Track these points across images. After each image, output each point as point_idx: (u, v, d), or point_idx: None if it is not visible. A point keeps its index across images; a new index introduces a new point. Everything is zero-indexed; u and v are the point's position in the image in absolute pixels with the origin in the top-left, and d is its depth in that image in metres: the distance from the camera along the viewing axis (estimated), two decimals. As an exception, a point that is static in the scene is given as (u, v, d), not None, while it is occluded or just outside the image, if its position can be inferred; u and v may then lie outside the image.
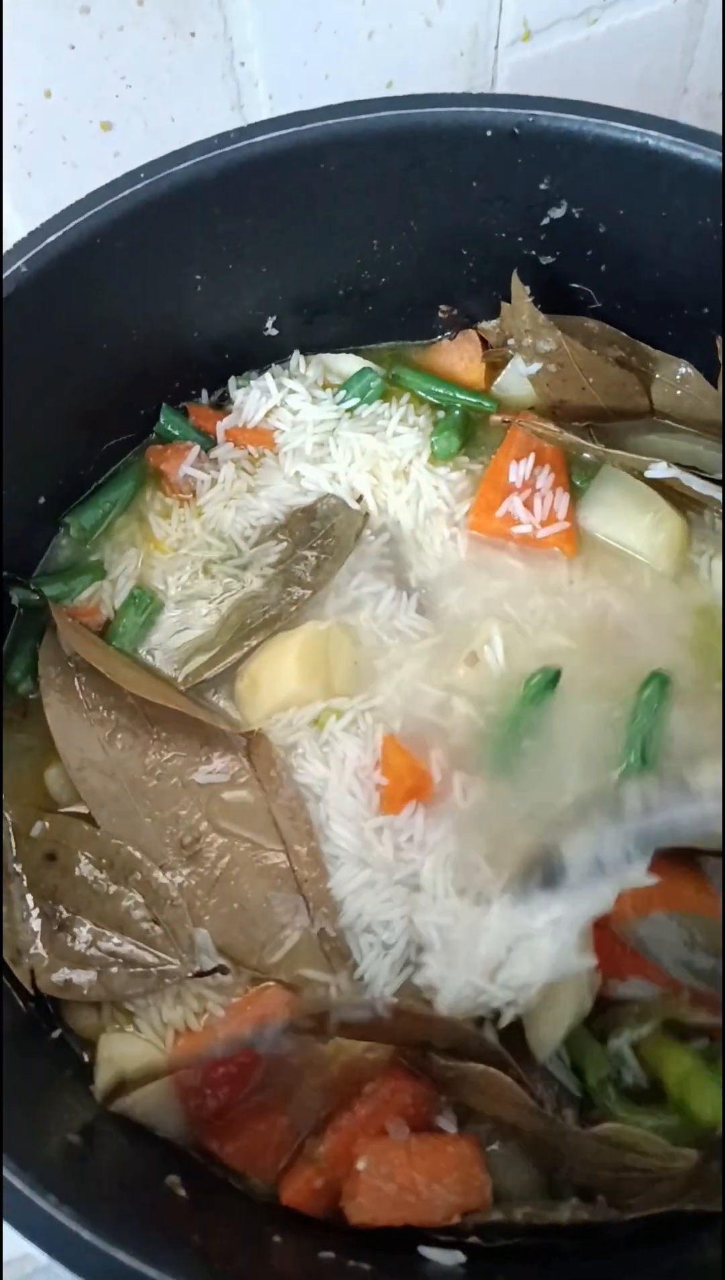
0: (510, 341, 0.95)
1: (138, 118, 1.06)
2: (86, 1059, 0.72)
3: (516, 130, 0.78)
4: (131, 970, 0.73)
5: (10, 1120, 0.54)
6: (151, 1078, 0.70)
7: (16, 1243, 0.51)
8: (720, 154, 0.74)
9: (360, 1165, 0.65)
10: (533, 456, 0.90)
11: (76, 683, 0.81)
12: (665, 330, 0.90)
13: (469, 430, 0.94)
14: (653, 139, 0.76)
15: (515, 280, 0.86)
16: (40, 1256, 0.49)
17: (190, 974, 0.73)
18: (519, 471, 0.89)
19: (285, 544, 0.88)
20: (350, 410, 0.94)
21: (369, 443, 0.92)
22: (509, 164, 0.80)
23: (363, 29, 1.08)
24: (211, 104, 1.08)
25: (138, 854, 0.76)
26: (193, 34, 1.01)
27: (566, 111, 0.77)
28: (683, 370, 0.90)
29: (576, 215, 0.84)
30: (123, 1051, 0.71)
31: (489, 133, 0.78)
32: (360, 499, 0.91)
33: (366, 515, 0.90)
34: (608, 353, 0.90)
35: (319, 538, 0.87)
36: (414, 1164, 0.65)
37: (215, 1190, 0.66)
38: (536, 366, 0.90)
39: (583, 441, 0.91)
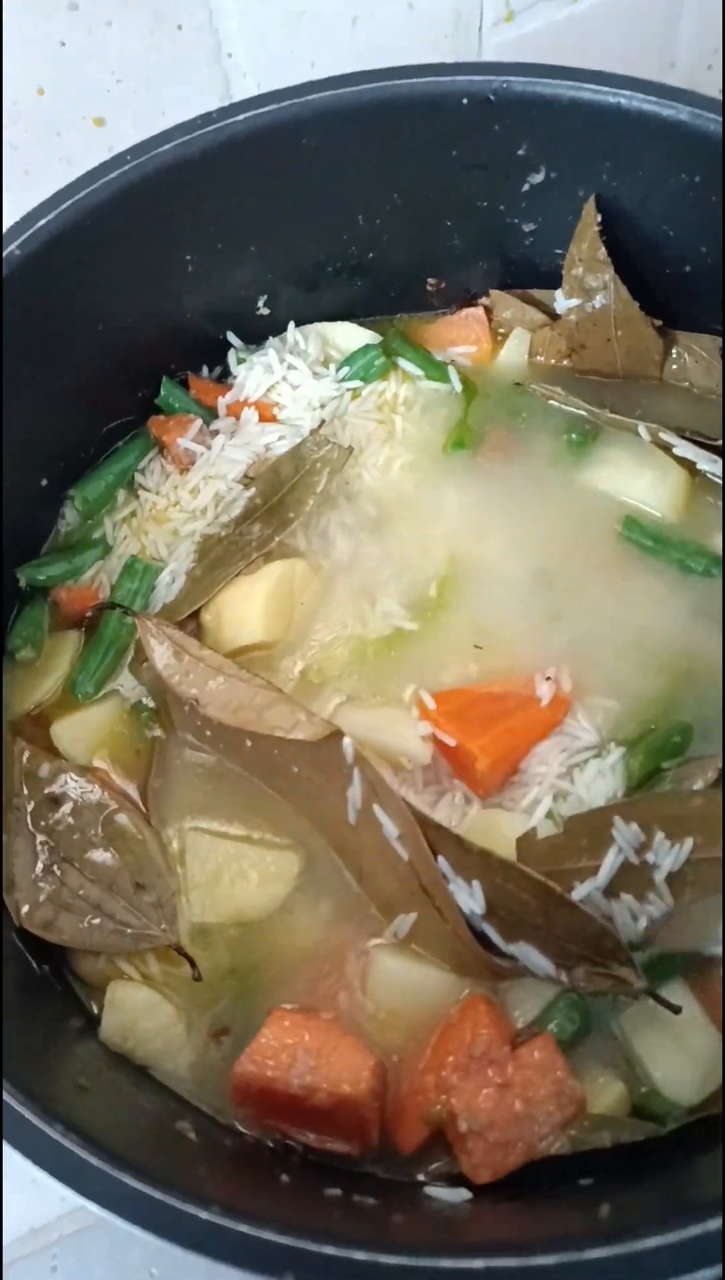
0: (506, 314, 0.97)
1: (129, 112, 1.08)
2: (96, 1010, 0.74)
3: (491, 96, 0.79)
4: (112, 926, 0.75)
5: (22, 1064, 0.56)
6: (158, 1026, 0.72)
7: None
8: (690, 109, 0.75)
9: (462, 1126, 0.65)
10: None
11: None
12: (649, 291, 0.91)
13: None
14: (625, 98, 0.77)
15: (589, 205, 0.85)
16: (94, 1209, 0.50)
17: (169, 944, 0.74)
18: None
19: (252, 491, 0.90)
20: (354, 392, 0.96)
21: (377, 432, 0.94)
22: (486, 131, 0.82)
23: (345, 15, 1.10)
24: (201, 95, 1.10)
25: (140, 820, 0.78)
26: (179, 27, 1.03)
27: (540, 75, 0.78)
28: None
29: (555, 179, 0.85)
30: (127, 996, 0.72)
31: (464, 100, 0.80)
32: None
33: (351, 450, 0.90)
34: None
35: (296, 478, 0.89)
36: (507, 1099, 0.66)
37: (223, 1133, 0.67)
38: (574, 302, 0.89)
39: (584, 408, 0.91)
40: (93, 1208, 0.48)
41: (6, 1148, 0.53)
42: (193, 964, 0.73)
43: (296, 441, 0.91)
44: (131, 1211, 0.48)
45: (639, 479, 0.90)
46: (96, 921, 0.74)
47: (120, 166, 0.79)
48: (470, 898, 0.70)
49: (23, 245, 0.76)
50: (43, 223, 0.77)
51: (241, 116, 0.80)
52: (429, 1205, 0.62)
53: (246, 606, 0.84)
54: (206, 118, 0.80)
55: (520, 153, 0.84)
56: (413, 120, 0.82)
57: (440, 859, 0.71)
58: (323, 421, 0.92)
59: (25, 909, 0.74)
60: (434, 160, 0.85)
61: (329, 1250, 0.46)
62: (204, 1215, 0.48)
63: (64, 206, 0.77)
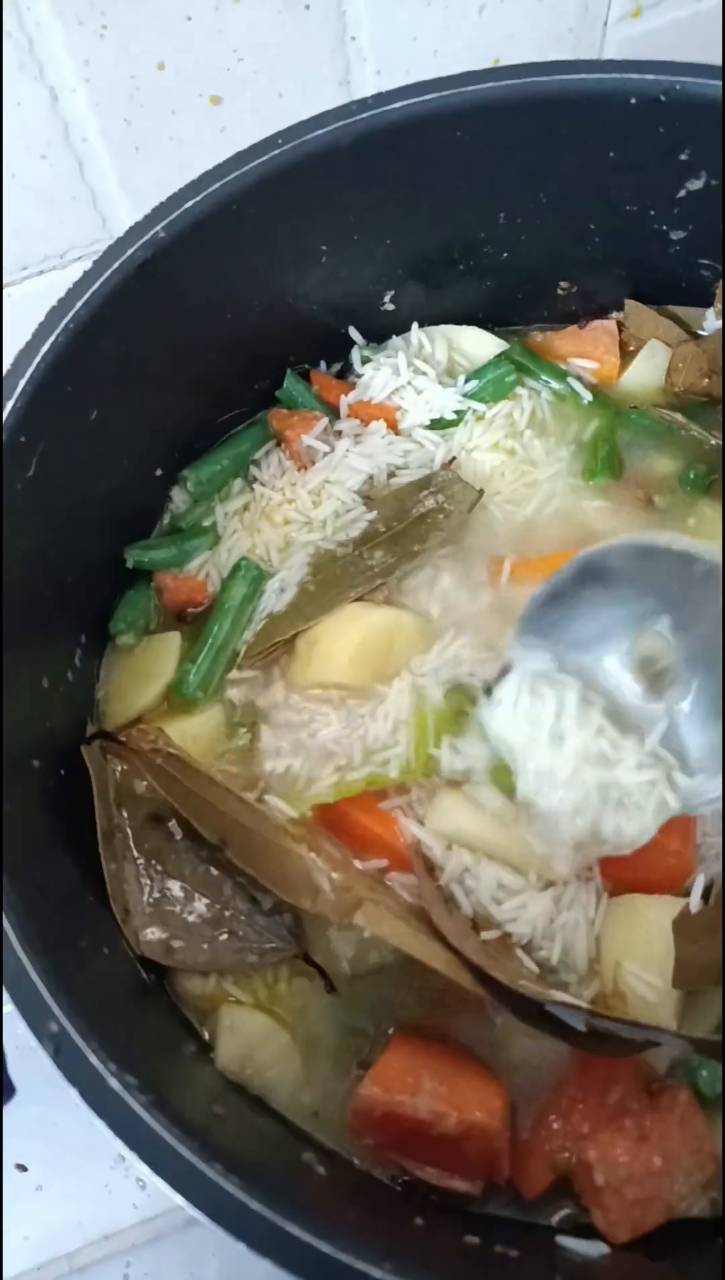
0: (640, 328, 0.94)
1: (246, 92, 1.05)
2: (205, 1033, 0.71)
3: (662, 97, 0.76)
4: (237, 945, 0.72)
5: (161, 1091, 0.53)
6: (275, 1053, 0.69)
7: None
8: None
9: (598, 1179, 0.63)
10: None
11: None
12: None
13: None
14: None
15: None
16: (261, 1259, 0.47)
17: (296, 954, 0.72)
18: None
19: (374, 514, 0.88)
20: (478, 415, 0.92)
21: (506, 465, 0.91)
22: (650, 133, 0.78)
23: (473, 4, 1.07)
24: (319, 80, 1.07)
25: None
26: (307, 7, 1.00)
27: (714, 78, 0.74)
28: None
29: (715, 187, 0.81)
30: (245, 1021, 0.70)
31: (633, 100, 0.76)
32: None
33: (481, 492, 0.88)
34: None
35: (423, 510, 0.86)
36: (645, 1154, 0.63)
37: (348, 1170, 0.65)
38: (721, 323, 0.87)
39: (706, 434, 0.89)
40: (261, 1259, 0.46)
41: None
42: (323, 974, 0.71)
43: (422, 469, 0.89)
44: (303, 1267, 0.46)
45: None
46: (223, 938, 0.71)
47: (271, 150, 0.75)
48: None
49: (168, 227, 0.73)
50: (189, 204, 0.74)
51: (398, 104, 0.76)
52: (567, 1258, 0.59)
53: (338, 646, 0.80)
54: (362, 104, 0.76)
55: (683, 157, 0.80)
56: (574, 118, 0.78)
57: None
58: (453, 458, 0.90)
59: (143, 936, 0.71)
60: (589, 160, 0.81)
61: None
62: (377, 1275, 0.45)
63: (212, 189, 0.74)
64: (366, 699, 0.80)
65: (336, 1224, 0.49)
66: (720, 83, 0.76)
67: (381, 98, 0.77)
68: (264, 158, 0.75)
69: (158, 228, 0.72)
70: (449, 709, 0.79)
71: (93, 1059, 0.50)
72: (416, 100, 0.76)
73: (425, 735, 0.77)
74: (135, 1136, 0.49)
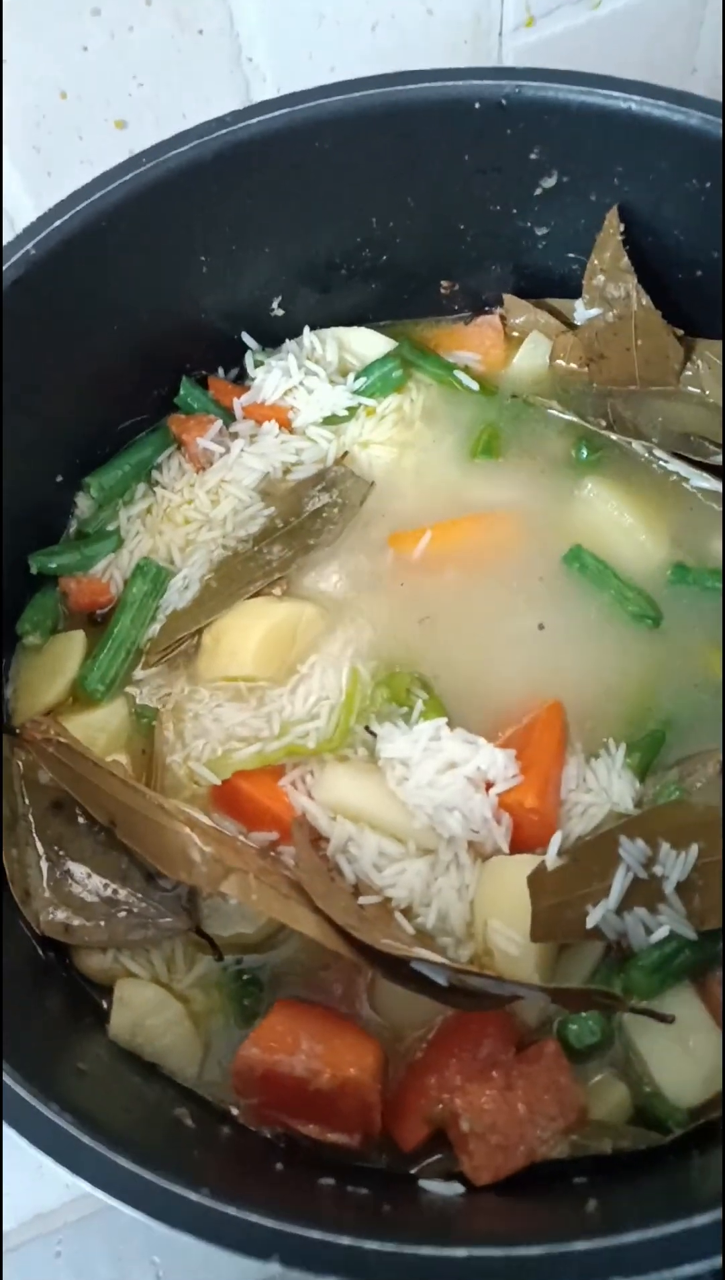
0: (519, 319, 0.98)
1: (150, 114, 1.10)
2: (106, 1005, 0.75)
3: (503, 101, 0.80)
4: (131, 920, 0.75)
5: (23, 1046, 0.57)
6: (165, 1022, 0.72)
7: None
8: (701, 115, 0.75)
9: (464, 1126, 0.66)
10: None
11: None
12: (664, 296, 0.91)
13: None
14: (635, 103, 0.77)
15: (612, 214, 0.85)
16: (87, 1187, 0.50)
17: (187, 928, 0.75)
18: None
19: (272, 510, 0.92)
20: (368, 409, 0.96)
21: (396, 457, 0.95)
22: (499, 135, 0.83)
23: (366, 20, 1.11)
24: (221, 98, 1.12)
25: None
26: (200, 31, 1.05)
27: (551, 81, 0.79)
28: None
29: (567, 184, 0.85)
30: (135, 993, 0.73)
31: (477, 104, 0.80)
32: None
33: (372, 484, 0.92)
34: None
35: (317, 505, 0.90)
36: (510, 1102, 0.66)
37: (223, 1124, 0.68)
38: (594, 312, 0.90)
39: (583, 420, 0.93)
40: (86, 1186, 0.50)
41: (9, 1133, 0.54)
42: (213, 945, 0.74)
43: (316, 463, 0.93)
44: (123, 1191, 0.49)
45: (618, 522, 0.90)
46: (121, 915, 0.74)
47: (135, 169, 0.80)
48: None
49: (38, 245, 0.78)
50: (58, 224, 0.78)
51: (255, 120, 0.81)
52: (422, 1198, 0.62)
53: (243, 640, 0.84)
54: (220, 121, 0.81)
55: (533, 157, 0.84)
56: (425, 124, 0.82)
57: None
58: (346, 453, 0.94)
59: (43, 917, 0.75)
60: (447, 164, 0.86)
61: (314, 1234, 0.47)
62: (194, 1197, 0.49)
63: (79, 208, 0.79)
64: (277, 686, 0.85)
65: (172, 1160, 0.52)
66: (562, 85, 0.80)
67: (239, 115, 0.81)
68: (128, 176, 0.79)
69: (29, 246, 0.77)
70: (380, 692, 0.84)
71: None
72: (272, 116, 0.81)
73: (350, 712, 0.82)
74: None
